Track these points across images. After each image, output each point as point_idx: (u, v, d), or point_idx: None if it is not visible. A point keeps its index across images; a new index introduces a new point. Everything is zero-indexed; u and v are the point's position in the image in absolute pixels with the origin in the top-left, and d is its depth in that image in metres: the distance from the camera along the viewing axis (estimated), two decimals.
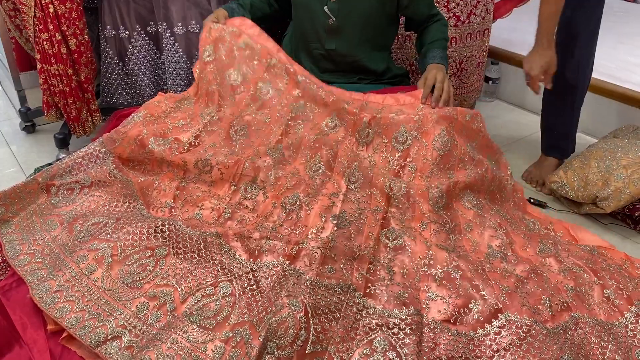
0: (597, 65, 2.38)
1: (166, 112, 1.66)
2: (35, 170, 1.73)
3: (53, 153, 2.03)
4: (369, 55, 1.75)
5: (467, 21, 2.12)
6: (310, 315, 1.15)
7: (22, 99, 2.19)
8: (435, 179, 1.49)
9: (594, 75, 2.30)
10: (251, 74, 1.69)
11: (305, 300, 1.16)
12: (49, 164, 1.70)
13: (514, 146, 2.23)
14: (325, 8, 1.65)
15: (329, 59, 1.76)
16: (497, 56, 2.57)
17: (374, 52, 1.76)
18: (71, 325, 1.15)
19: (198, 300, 1.19)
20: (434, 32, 1.74)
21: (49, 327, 1.18)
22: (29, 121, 2.21)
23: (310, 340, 1.12)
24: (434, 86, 1.57)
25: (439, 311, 1.23)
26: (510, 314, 1.21)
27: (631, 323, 1.27)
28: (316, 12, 1.68)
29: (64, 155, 1.95)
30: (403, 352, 1.12)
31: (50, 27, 1.77)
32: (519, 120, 2.46)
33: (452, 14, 2.08)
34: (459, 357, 1.14)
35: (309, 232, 1.36)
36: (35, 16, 1.76)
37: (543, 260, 1.43)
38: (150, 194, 1.51)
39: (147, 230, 1.31)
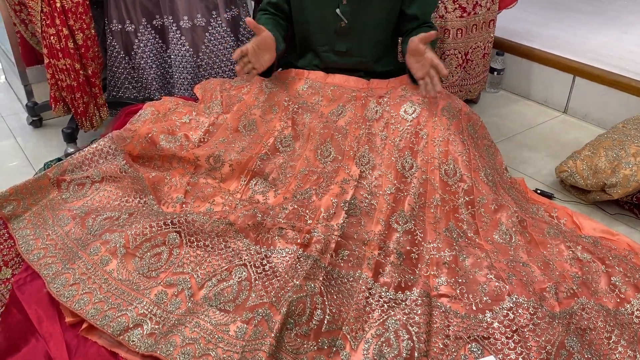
0: (602, 56, 2.39)
1: (172, 110, 1.68)
2: (45, 165, 1.74)
3: (61, 147, 2.03)
4: (379, 55, 1.72)
5: (472, 12, 2.12)
6: (325, 298, 1.20)
7: (29, 94, 2.19)
8: (451, 145, 1.50)
9: (598, 65, 2.31)
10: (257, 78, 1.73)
11: (320, 285, 1.21)
12: (59, 159, 1.70)
13: (518, 137, 2.24)
14: (338, 10, 1.62)
15: (336, 60, 1.72)
16: (502, 47, 2.57)
17: (383, 51, 1.73)
18: (91, 316, 1.17)
19: (215, 285, 1.23)
20: (421, 29, 1.63)
21: (68, 319, 1.20)
22: (36, 116, 2.22)
23: (325, 320, 1.17)
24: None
25: (448, 294, 1.28)
26: (517, 296, 1.23)
27: (637, 310, 1.29)
28: (326, 15, 1.64)
29: (72, 150, 1.96)
30: (414, 331, 1.17)
31: (57, 21, 1.77)
32: (524, 110, 2.46)
33: (457, 5, 2.08)
34: (467, 337, 1.18)
35: (320, 217, 1.38)
36: (42, 11, 1.76)
37: (551, 241, 1.44)
38: (161, 190, 1.52)
39: (157, 223, 1.33)
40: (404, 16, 1.67)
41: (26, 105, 2.19)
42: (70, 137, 1.99)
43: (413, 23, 1.67)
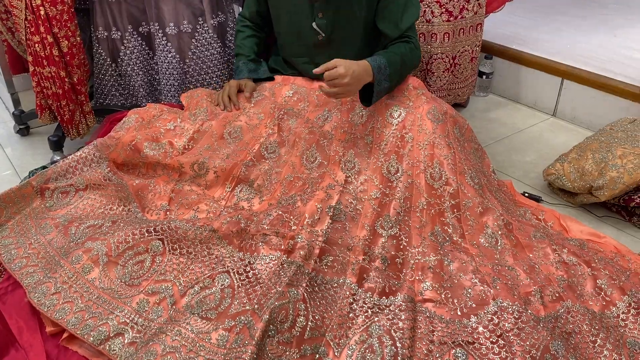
0: (591, 59, 2.40)
1: (156, 116, 1.67)
2: (29, 173, 1.73)
3: (47, 155, 2.02)
4: None
5: (459, 16, 2.12)
6: (308, 304, 1.19)
7: (16, 102, 2.19)
8: (436, 148, 1.49)
9: (587, 68, 2.32)
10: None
11: (304, 292, 1.20)
12: (44, 167, 1.69)
13: (507, 140, 2.24)
14: (314, 24, 1.61)
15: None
16: (491, 51, 2.57)
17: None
18: (72, 325, 1.16)
19: (197, 293, 1.22)
20: (394, 47, 1.57)
21: (48, 329, 1.19)
22: (23, 124, 2.21)
23: (308, 327, 1.16)
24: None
25: (432, 299, 1.27)
26: (502, 300, 1.22)
27: (623, 313, 1.28)
28: (303, 30, 1.64)
29: (58, 158, 1.95)
30: (397, 336, 1.16)
31: (42, 29, 1.76)
32: (513, 114, 2.46)
33: (444, 10, 2.08)
34: (452, 342, 1.17)
35: (304, 223, 1.37)
36: (26, 19, 1.75)
37: (537, 244, 1.44)
38: (145, 197, 1.51)
39: (140, 231, 1.32)
40: (379, 30, 1.63)
41: (13, 113, 2.18)
42: (57, 145, 1.98)
43: (385, 39, 1.63)
